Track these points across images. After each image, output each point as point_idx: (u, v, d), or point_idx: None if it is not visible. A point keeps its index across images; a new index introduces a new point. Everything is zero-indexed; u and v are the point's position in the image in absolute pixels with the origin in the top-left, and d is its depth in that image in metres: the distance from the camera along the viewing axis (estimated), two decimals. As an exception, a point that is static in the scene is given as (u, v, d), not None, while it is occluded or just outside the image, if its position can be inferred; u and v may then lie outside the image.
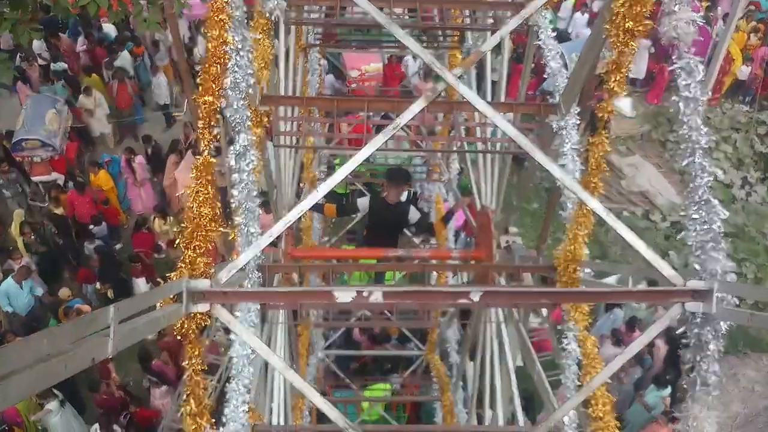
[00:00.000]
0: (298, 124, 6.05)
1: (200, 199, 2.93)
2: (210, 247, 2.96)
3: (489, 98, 6.27)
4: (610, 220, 3.11)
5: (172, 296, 2.76)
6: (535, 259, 5.59)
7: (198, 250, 2.88)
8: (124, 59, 14.43)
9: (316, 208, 6.70)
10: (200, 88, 3.06)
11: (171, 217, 12.02)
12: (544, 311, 5.61)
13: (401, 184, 6.42)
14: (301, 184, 8.41)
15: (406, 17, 6.24)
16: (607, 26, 3.44)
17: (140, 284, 10.62)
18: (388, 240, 6.65)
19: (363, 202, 6.64)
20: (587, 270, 4.23)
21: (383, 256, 6.46)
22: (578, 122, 4.25)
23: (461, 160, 9.58)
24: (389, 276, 9.49)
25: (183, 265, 2.87)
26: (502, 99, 6.01)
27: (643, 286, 3.96)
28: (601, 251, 13.10)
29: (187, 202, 2.98)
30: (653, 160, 15.79)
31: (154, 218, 12.00)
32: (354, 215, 7.01)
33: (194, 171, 2.97)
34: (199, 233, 2.92)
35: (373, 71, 14.49)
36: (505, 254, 5.69)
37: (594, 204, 3.18)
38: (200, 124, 3.01)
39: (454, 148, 7.76)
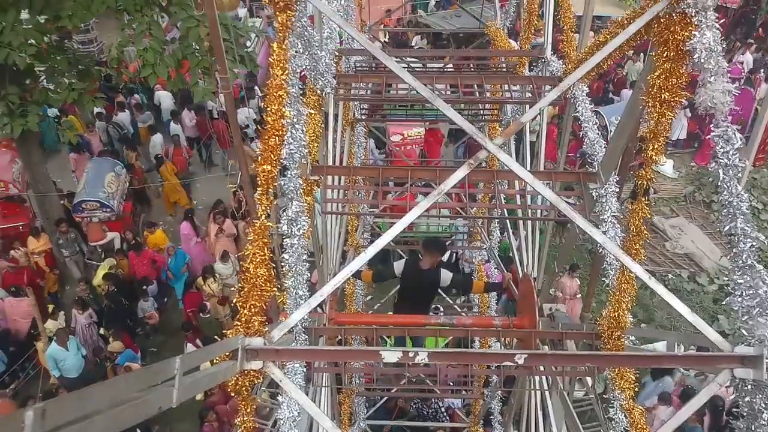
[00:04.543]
0: (345, 192, 6.30)
1: (257, 260, 3.11)
2: (265, 307, 3.11)
3: (528, 163, 6.45)
4: (653, 284, 3.13)
5: (228, 353, 2.91)
6: (579, 326, 5.55)
7: (253, 309, 3.04)
8: (122, 117, 16.55)
9: (355, 273, 6.86)
10: (260, 157, 3.30)
11: (216, 277, 12.27)
12: (589, 380, 5.51)
13: (434, 254, 6.56)
14: (345, 249, 8.62)
15: (448, 92, 6.56)
16: (644, 97, 3.56)
17: (190, 348, 10.84)
18: (419, 305, 6.68)
19: (399, 266, 6.78)
20: (632, 337, 4.18)
21: (426, 323, 6.49)
22: (617, 190, 4.33)
23: (503, 228, 9.69)
24: (431, 342, 9.44)
25: (239, 323, 3.03)
26: (542, 162, 6.16)
27: (691, 352, 3.91)
28: (646, 315, 12.75)
29: (243, 264, 3.16)
30: (698, 221, 15.48)
31: (201, 278, 12.31)
32: (394, 278, 7.13)
33: (252, 234, 3.16)
34: (255, 293, 3.08)
35: (415, 136, 15.42)
36: (548, 322, 5.66)
37: (636, 268, 3.21)
38: (259, 191, 3.23)
39: (495, 215, 7.88)
